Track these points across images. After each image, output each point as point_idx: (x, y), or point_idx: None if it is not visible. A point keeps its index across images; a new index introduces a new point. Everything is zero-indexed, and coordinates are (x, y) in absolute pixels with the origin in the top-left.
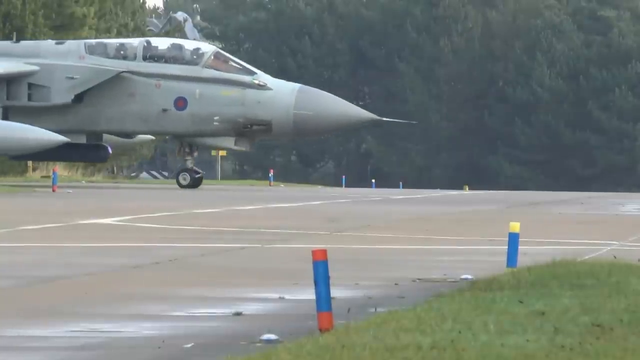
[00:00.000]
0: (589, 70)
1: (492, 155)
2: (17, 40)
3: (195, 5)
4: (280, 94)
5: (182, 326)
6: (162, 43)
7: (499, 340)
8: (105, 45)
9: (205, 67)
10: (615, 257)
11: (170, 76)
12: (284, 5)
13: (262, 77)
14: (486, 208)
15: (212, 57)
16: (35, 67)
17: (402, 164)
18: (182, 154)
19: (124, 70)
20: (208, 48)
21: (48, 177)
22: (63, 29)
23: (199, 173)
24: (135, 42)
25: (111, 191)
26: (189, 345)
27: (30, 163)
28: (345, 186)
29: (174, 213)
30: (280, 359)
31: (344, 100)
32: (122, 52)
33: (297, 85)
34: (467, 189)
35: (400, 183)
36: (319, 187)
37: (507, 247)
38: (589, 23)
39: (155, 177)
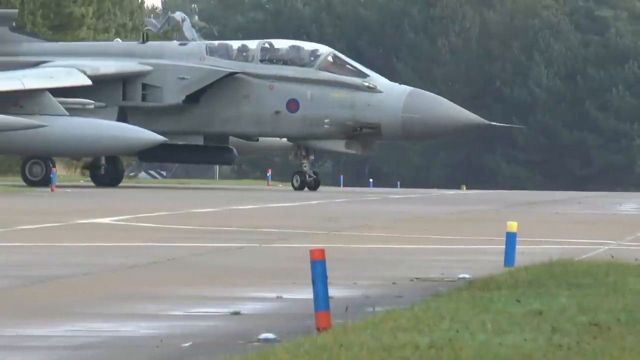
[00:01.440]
0: (586, 70)
1: (489, 154)
2: (144, 41)
3: (193, 5)
4: (390, 97)
5: (180, 325)
6: (280, 44)
7: (497, 340)
8: (226, 46)
9: (320, 69)
10: (612, 256)
11: (284, 78)
12: (282, 5)
13: (376, 79)
14: (484, 207)
15: (327, 59)
16: (149, 67)
17: (400, 164)
18: (299, 158)
19: (237, 71)
20: (325, 50)
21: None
22: (61, 28)
23: (311, 176)
24: (255, 43)
25: (109, 191)
26: (187, 345)
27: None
28: (343, 185)
29: (172, 213)
30: (278, 358)
31: (455, 105)
32: (241, 54)
33: (408, 89)
34: (464, 188)
35: (398, 182)
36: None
37: (504, 246)
38: (587, 23)
39: (154, 176)
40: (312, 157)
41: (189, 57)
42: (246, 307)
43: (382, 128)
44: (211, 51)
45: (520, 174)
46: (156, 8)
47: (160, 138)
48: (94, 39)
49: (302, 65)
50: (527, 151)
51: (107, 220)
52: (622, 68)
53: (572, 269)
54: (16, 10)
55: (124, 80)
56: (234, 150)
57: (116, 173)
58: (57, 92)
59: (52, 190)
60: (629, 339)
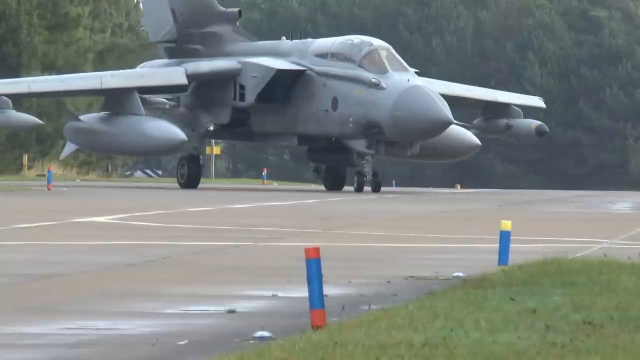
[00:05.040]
0: (580, 69)
1: (484, 154)
2: (291, 39)
3: None
4: (388, 94)
5: (176, 323)
6: (348, 40)
7: (491, 338)
8: (324, 43)
9: (359, 66)
10: (605, 255)
11: (331, 75)
12: (278, 5)
13: (391, 75)
14: (478, 206)
15: (369, 55)
16: (239, 66)
17: (395, 163)
18: (360, 158)
19: (298, 69)
20: (375, 45)
21: (43, 175)
22: (57, 28)
23: (366, 178)
24: (332, 40)
25: (106, 189)
26: (182, 343)
27: (25, 162)
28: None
29: (168, 211)
30: (274, 356)
31: (437, 102)
32: (322, 51)
33: (408, 85)
34: (459, 187)
35: (394, 181)
36: (312, 185)
37: (498, 245)
38: (580, 23)
39: (149, 175)
40: (369, 157)
41: (298, 55)
42: (242, 305)
43: (382, 127)
44: (313, 50)
45: (514, 173)
46: None
47: (182, 137)
48: (90, 39)
49: (349, 61)
50: (521, 150)
51: (103, 218)
52: (615, 68)
53: (566, 267)
54: (237, 9)
55: (235, 80)
56: (354, 152)
57: (338, 178)
58: (166, 90)
59: (48, 189)
60: (622, 337)
